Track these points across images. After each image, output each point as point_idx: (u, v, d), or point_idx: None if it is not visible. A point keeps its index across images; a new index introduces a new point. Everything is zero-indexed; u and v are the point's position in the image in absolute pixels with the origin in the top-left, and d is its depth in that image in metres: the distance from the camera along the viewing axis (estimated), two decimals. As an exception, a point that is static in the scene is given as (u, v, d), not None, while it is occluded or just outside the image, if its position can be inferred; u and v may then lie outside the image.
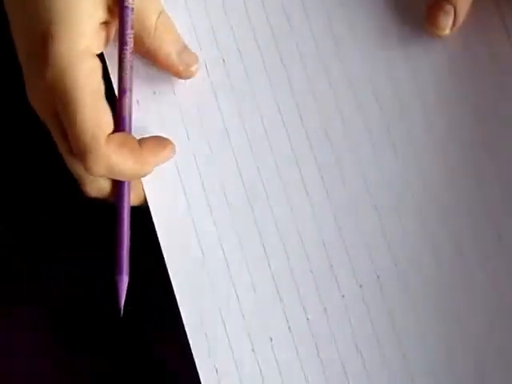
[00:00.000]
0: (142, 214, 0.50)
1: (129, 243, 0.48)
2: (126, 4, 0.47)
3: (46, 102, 0.46)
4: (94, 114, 0.46)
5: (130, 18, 0.47)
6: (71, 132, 0.46)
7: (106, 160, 0.46)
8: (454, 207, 0.49)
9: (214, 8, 0.51)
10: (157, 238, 0.49)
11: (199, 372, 0.48)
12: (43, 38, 0.45)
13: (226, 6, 0.51)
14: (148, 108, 0.51)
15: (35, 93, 0.47)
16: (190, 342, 0.49)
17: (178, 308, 0.49)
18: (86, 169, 0.46)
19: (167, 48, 0.49)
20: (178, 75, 0.50)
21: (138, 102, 0.50)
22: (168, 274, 0.49)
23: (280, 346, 0.49)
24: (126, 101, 0.48)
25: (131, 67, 0.48)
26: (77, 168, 0.48)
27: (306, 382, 0.49)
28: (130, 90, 0.48)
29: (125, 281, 0.47)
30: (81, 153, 0.46)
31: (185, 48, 0.50)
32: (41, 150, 0.53)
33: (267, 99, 0.51)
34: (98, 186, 0.49)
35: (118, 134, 0.47)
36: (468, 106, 0.49)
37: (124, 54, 0.47)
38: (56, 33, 0.45)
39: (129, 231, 0.48)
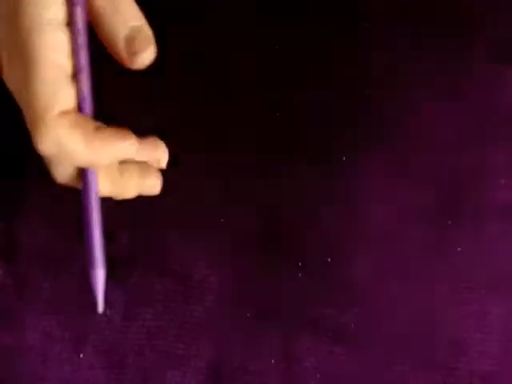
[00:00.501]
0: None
1: (101, 232, 0.45)
2: None
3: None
4: (51, 87, 0.42)
5: None
6: (26, 100, 0.43)
7: (54, 135, 0.42)
8: None
9: None
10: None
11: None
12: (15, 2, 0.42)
13: None
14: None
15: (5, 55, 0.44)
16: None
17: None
18: (35, 143, 0.43)
19: (114, 32, 0.43)
20: (125, 65, 0.44)
21: None
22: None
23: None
24: (84, 80, 0.44)
25: (87, 42, 0.44)
26: None
27: None
28: (89, 68, 0.44)
29: (100, 275, 0.45)
30: (31, 124, 0.43)
31: (139, 31, 0.44)
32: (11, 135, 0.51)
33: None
34: (64, 171, 0.46)
35: (73, 113, 0.43)
36: None
37: (76, 28, 0.43)
38: None
39: (99, 220, 0.45)
